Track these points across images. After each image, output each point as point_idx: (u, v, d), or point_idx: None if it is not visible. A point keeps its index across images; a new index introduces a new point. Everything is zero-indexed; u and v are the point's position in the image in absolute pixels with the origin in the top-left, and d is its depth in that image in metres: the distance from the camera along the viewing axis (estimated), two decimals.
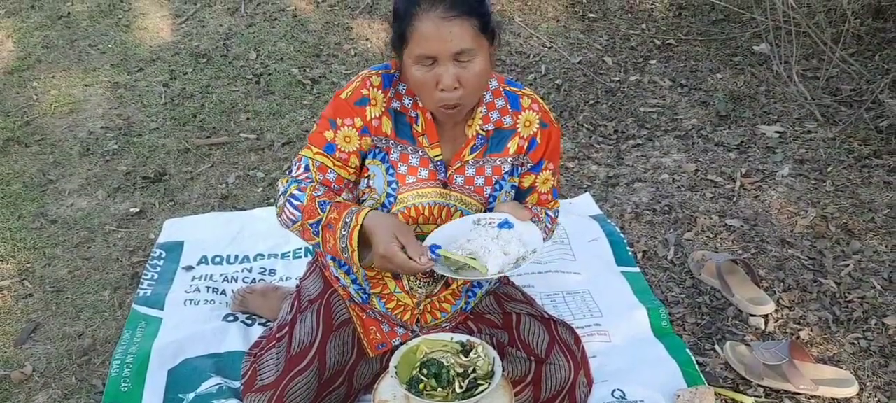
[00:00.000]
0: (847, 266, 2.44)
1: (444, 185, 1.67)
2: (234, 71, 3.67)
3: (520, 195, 1.78)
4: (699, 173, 2.96)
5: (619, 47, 3.94)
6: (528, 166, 1.73)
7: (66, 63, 3.74)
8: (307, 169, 1.64)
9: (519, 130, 1.70)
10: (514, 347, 1.79)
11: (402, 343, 1.76)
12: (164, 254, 2.52)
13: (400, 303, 1.79)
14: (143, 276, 2.41)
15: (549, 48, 3.90)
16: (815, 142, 3.13)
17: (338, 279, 1.84)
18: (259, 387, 1.72)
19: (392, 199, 1.65)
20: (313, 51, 3.83)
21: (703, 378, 2.02)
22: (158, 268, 2.46)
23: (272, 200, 2.81)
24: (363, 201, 1.68)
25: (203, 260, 2.52)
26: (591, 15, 4.21)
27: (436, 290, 1.78)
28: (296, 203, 1.60)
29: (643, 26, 4.11)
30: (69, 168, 3.00)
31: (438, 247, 1.55)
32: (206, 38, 3.93)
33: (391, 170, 1.65)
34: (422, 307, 1.80)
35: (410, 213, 1.66)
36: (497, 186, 1.70)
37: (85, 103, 3.43)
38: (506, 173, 1.71)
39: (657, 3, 4.31)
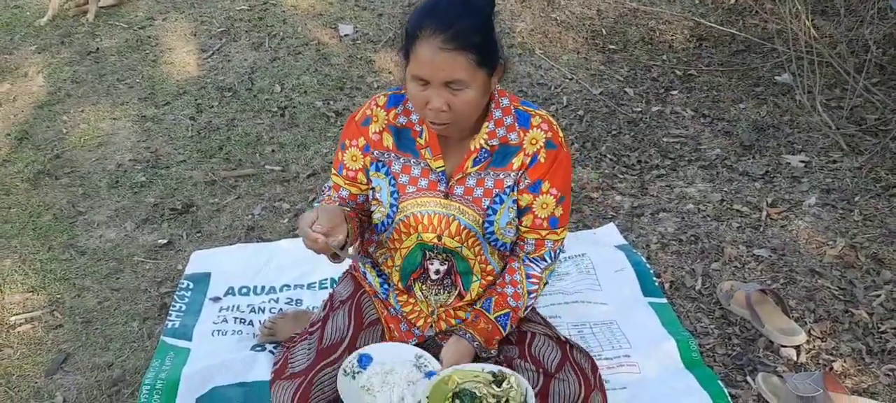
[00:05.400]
0: (878, 296, 2.41)
1: (446, 196, 1.71)
2: (258, 104, 3.72)
3: (519, 213, 1.76)
4: (725, 203, 2.94)
5: (641, 78, 3.95)
6: (526, 183, 1.71)
7: (95, 97, 3.81)
8: (329, 188, 1.84)
9: (524, 147, 1.70)
10: (522, 359, 1.78)
11: (418, 345, 1.84)
12: (191, 286, 2.53)
13: (415, 308, 1.85)
14: (171, 308, 2.42)
15: (571, 79, 3.92)
16: (842, 171, 3.11)
17: (365, 275, 1.91)
18: (289, 375, 1.76)
19: (394, 209, 1.73)
20: (336, 84, 3.88)
21: None
22: (186, 300, 2.47)
23: (298, 231, 2.82)
24: (372, 212, 1.78)
25: (230, 292, 2.53)
26: (612, 46, 4.23)
27: (450, 301, 1.82)
28: None
29: (664, 57, 4.13)
30: (98, 200, 3.04)
31: (370, 358, 1.70)
32: (231, 72, 3.99)
33: (393, 181, 1.72)
34: (436, 315, 1.84)
35: (410, 222, 1.73)
36: (497, 199, 1.71)
37: (113, 136, 3.49)
38: (508, 187, 1.71)
39: (677, 34, 4.33)
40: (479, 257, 1.77)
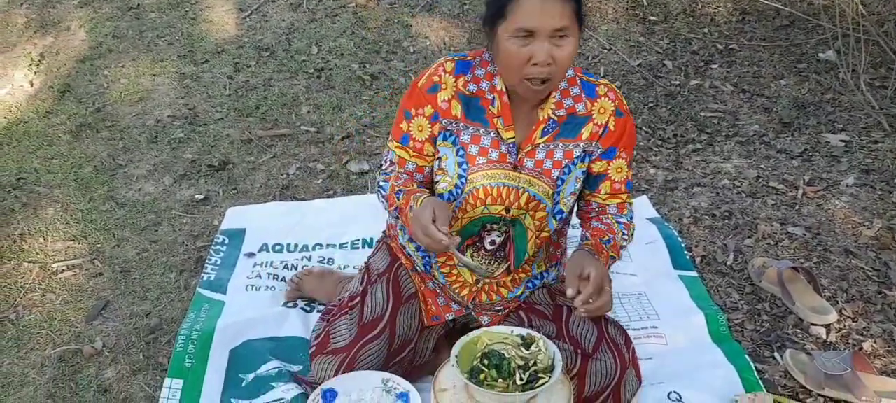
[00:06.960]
0: None
1: (515, 168, 1.72)
2: (295, 65, 3.74)
3: (590, 182, 1.80)
4: (761, 180, 2.91)
5: (680, 51, 3.90)
6: (599, 152, 1.75)
7: (136, 53, 3.87)
8: (391, 162, 1.80)
9: (594, 117, 1.73)
10: (561, 340, 1.80)
11: (454, 319, 1.87)
12: (226, 240, 2.58)
13: (459, 278, 1.85)
14: (206, 261, 2.47)
15: (609, 50, 3.88)
16: (882, 152, 3.05)
17: (403, 247, 1.91)
18: (332, 350, 1.79)
19: (463, 180, 1.72)
20: (373, 47, 3.88)
21: (762, 385, 1.99)
22: (221, 254, 2.53)
23: (331, 192, 2.87)
24: (436, 182, 1.76)
25: (264, 248, 2.58)
26: (652, 18, 4.17)
27: (497, 273, 1.83)
28: (383, 193, 1.79)
29: (705, 30, 4.06)
30: (137, 154, 3.10)
31: (335, 393, 1.65)
32: (269, 32, 4.02)
33: (462, 152, 1.72)
34: (480, 285, 1.84)
35: (479, 194, 1.72)
36: (566, 170, 1.74)
37: (153, 92, 3.54)
38: (577, 157, 1.74)
39: (720, 7, 4.25)
40: (538, 223, 1.78)
